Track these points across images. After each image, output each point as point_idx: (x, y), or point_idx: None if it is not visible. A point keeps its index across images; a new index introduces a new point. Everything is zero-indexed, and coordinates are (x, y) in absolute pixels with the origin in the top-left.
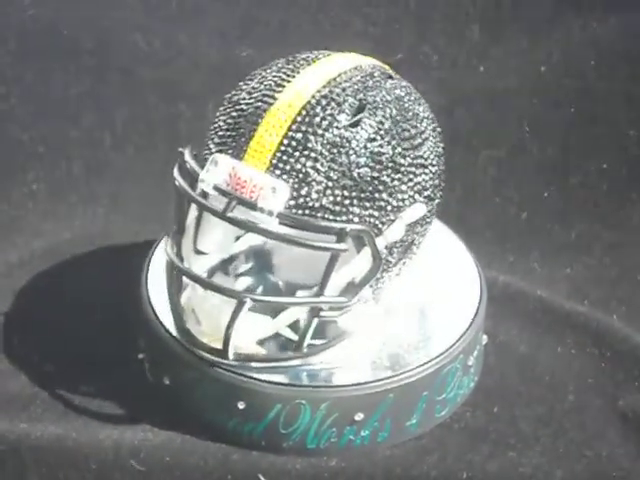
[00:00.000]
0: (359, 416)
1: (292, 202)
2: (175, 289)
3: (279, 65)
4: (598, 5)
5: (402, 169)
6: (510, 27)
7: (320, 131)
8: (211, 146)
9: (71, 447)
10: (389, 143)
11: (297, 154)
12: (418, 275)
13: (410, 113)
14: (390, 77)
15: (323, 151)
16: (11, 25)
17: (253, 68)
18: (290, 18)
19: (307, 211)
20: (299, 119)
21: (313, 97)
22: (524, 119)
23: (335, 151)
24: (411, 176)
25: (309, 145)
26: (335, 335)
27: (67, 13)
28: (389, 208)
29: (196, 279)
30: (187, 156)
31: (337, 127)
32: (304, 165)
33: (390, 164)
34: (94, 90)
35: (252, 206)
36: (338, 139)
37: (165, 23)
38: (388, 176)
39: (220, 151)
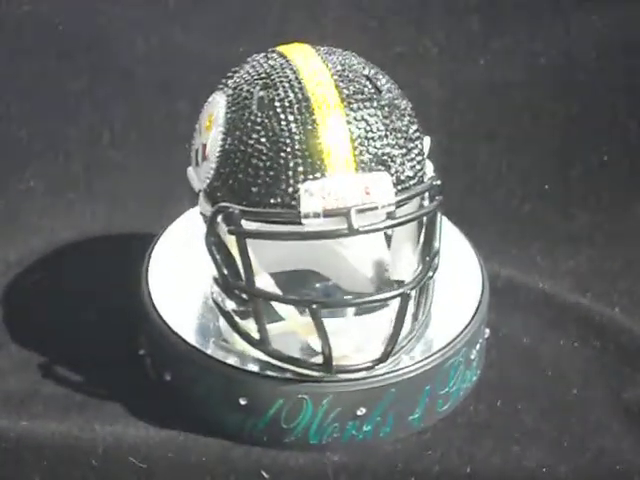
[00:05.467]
0: (361, 411)
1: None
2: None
3: (265, 72)
4: None
5: (411, 116)
6: (510, 19)
7: (370, 110)
8: (272, 180)
9: (72, 444)
10: (399, 97)
11: (370, 141)
12: None
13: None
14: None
15: (380, 127)
16: (7, 21)
17: None
18: (288, 13)
19: (400, 186)
20: (349, 112)
21: (338, 87)
22: (525, 111)
23: (388, 122)
24: (415, 119)
25: (372, 127)
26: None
27: (64, 10)
28: (423, 154)
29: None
30: (251, 209)
31: (374, 100)
32: (381, 147)
33: (408, 115)
34: (92, 87)
35: (374, 207)
36: (383, 111)
37: (163, 20)
38: (412, 124)
39: (295, 180)
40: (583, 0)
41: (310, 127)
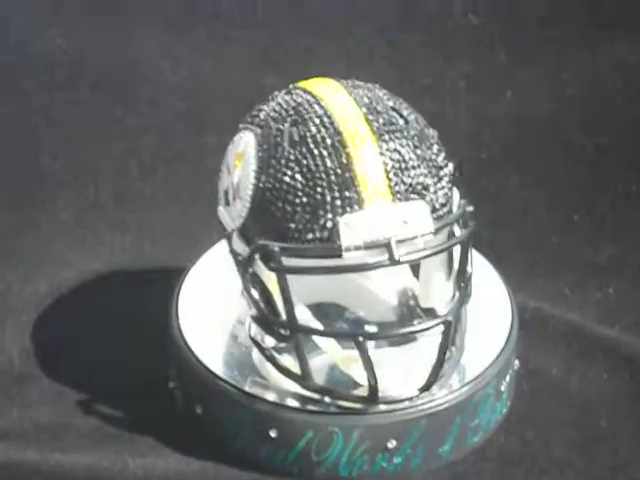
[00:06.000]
0: (392, 443)
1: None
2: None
3: (292, 109)
4: (625, 27)
5: (439, 144)
6: (536, 50)
7: (402, 141)
8: (309, 215)
9: (103, 477)
10: (425, 127)
11: (404, 171)
12: None
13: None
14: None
15: (412, 156)
16: (39, 55)
17: None
18: (315, 44)
19: (434, 215)
20: (381, 144)
21: (368, 120)
22: (553, 142)
23: (419, 152)
24: (442, 147)
25: (405, 157)
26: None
27: (95, 42)
28: (452, 181)
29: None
30: (286, 245)
31: (405, 130)
32: (414, 176)
33: (436, 143)
34: (121, 119)
35: (413, 237)
36: (414, 141)
37: (192, 52)
38: (440, 152)
39: (333, 214)
40: (610, 30)
41: (344, 161)
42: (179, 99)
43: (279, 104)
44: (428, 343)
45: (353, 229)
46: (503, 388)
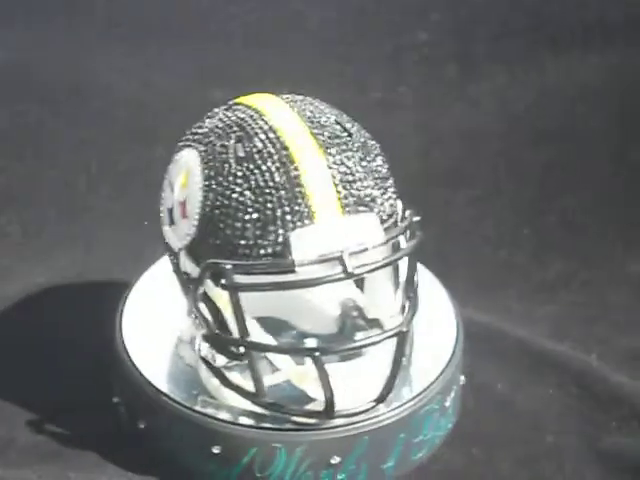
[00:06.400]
0: (335, 459)
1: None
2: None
3: (234, 131)
4: (575, 43)
5: (382, 156)
6: (486, 66)
7: (347, 153)
8: (259, 231)
9: None
10: (368, 138)
11: (352, 184)
12: None
13: None
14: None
15: (359, 169)
16: None
17: None
18: (266, 59)
19: (383, 226)
20: (328, 157)
21: (313, 134)
22: (501, 157)
23: (365, 163)
24: (384, 158)
25: (352, 170)
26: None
27: (44, 55)
28: (396, 192)
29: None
30: (241, 263)
31: (350, 142)
32: (362, 188)
33: (379, 155)
34: (70, 132)
35: (365, 249)
36: (359, 153)
37: (141, 65)
38: (384, 163)
39: (284, 229)
40: (559, 46)
41: (293, 175)
42: (128, 112)
43: (221, 120)
44: (376, 355)
45: (305, 243)
46: (448, 404)
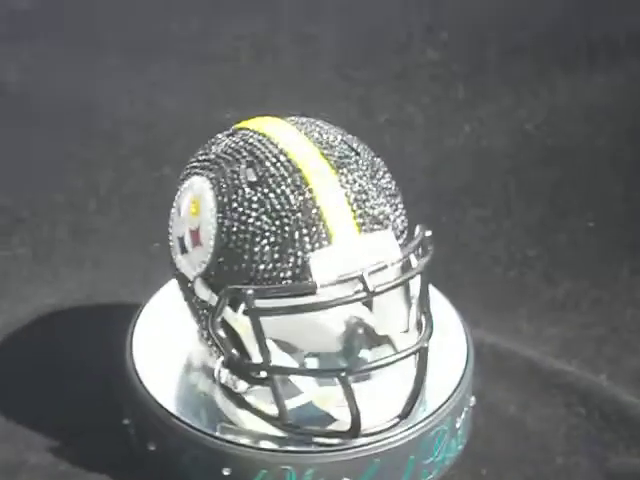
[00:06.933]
0: None
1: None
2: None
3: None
4: (583, 63)
5: (389, 173)
6: (495, 86)
7: (359, 172)
8: (279, 256)
9: None
10: (374, 156)
11: (365, 202)
12: None
13: None
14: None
15: (371, 187)
16: None
17: None
18: (273, 80)
19: (399, 241)
20: (340, 177)
21: (323, 154)
22: (510, 177)
23: (375, 181)
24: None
25: (365, 188)
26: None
27: (51, 76)
28: (404, 208)
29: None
30: (263, 290)
31: (359, 161)
32: (376, 206)
33: (386, 172)
34: (78, 154)
35: (384, 267)
36: (368, 171)
37: (149, 87)
38: (392, 180)
39: (303, 251)
40: (567, 67)
41: (308, 197)
42: (136, 133)
43: (228, 146)
44: (388, 375)
45: (325, 265)
46: (459, 425)
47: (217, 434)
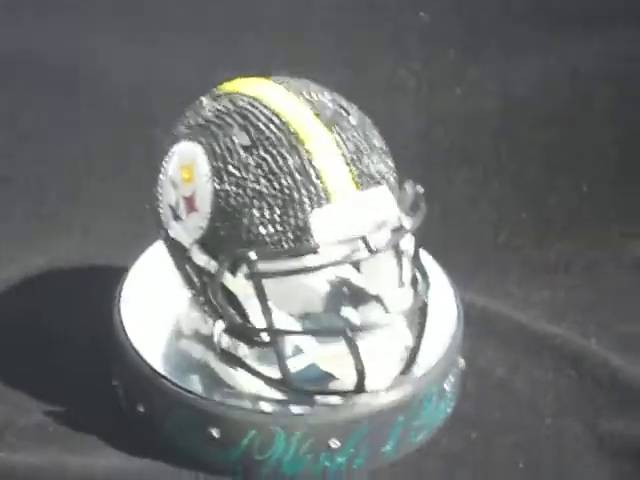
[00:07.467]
0: (334, 443)
1: None
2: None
3: (240, 117)
4: (575, 26)
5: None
6: (486, 48)
7: (352, 131)
8: (279, 217)
9: (44, 476)
10: (361, 115)
11: (361, 160)
12: None
13: None
14: None
15: (365, 145)
16: None
17: None
18: (266, 41)
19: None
20: (335, 136)
21: (316, 114)
22: (501, 140)
23: (368, 139)
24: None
25: (359, 147)
26: None
27: (43, 40)
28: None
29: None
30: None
31: (349, 120)
32: (371, 164)
33: (376, 130)
34: (69, 117)
35: (383, 223)
36: (360, 129)
37: (140, 48)
38: (381, 138)
39: (303, 212)
40: (559, 29)
41: (305, 157)
42: (127, 96)
43: (218, 110)
44: (383, 333)
45: (325, 224)
46: (447, 387)
47: (205, 395)
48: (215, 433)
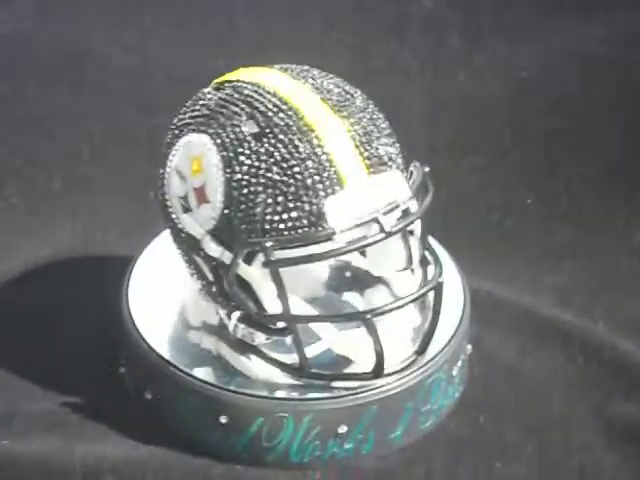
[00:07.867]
0: (342, 429)
1: None
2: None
3: (248, 105)
4: (579, 12)
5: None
6: (491, 34)
7: (359, 115)
8: (292, 203)
9: (52, 463)
10: (365, 98)
11: (371, 144)
12: None
13: None
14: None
15: (372, 128)
16: None
17: None
18: (267, 28)
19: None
20: (343, 121)
21: (323, 99)
22: (506, 126)
23: (374, 122)
24: None
25: (368, 130)
26: None
27: (43, 27)
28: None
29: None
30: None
31: (355, 104)
32: (380, 147)
33: (380, 113)
34: (71, 104)
35: (396, 206)
36: (365, 113)
37: (141, 36)
38: (386, 120)
39: (317, 198)
40: (564, 15)
41: (316, 143)
42: (130, 83)
43: (223, 99)
44: (395, 316)
45: (339, 210)
46: (455, 372)
47: (213, 382)
48: (223, 420)
